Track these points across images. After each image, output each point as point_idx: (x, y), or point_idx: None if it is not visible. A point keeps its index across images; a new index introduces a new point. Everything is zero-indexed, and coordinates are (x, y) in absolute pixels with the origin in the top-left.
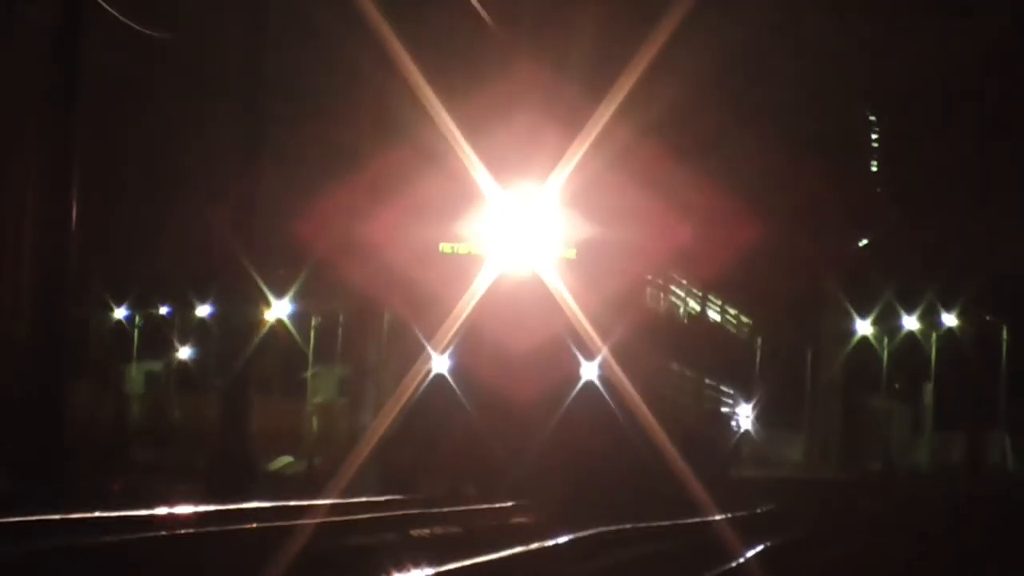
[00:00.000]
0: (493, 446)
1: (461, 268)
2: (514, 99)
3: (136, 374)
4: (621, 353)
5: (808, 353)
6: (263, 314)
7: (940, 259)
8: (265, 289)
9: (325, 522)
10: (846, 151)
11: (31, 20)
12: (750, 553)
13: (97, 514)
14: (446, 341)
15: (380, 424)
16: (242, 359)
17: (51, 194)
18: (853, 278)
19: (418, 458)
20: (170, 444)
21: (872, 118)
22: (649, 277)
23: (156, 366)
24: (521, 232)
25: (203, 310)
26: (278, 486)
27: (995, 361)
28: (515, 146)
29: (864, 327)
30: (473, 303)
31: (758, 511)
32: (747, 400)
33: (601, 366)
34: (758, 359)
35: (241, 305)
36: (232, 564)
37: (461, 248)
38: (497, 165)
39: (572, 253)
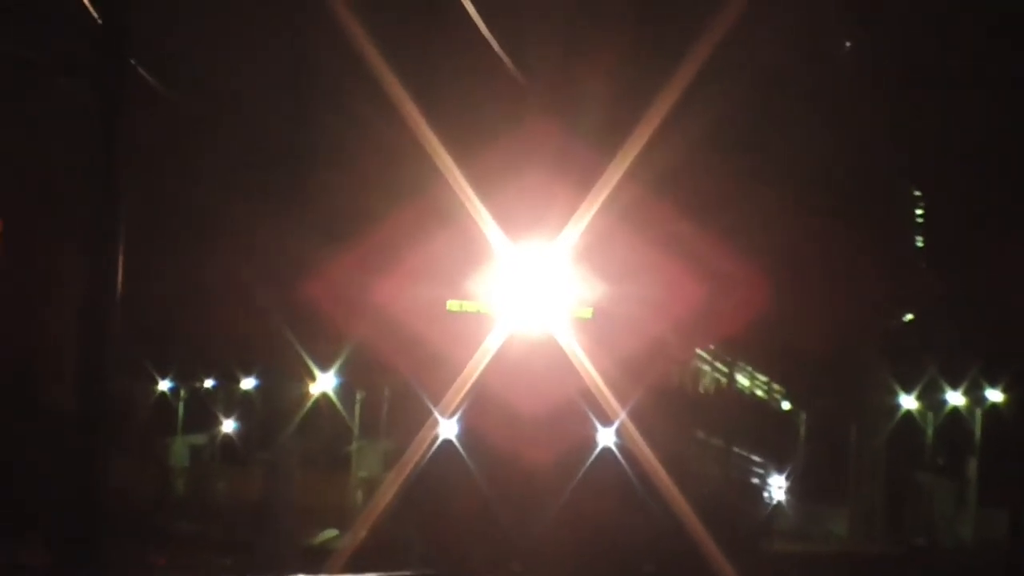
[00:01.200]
0: (505, 517)
1: (479, 327)
2: (527, 155)
3: (180, 447)
4: (640, 419)
5: (851, 427)
6: (308, 388)
7: (984, 335)
8: (310, 363)
9: None
10: (888, 226)
11: (72, 92)
12: None
13: None
14: (456, 406)
15: (387, 495)
16: (286, 433)
17: (95, 263)
18: (896, 353)
19: (425, 530)
20: (215, 517)
21: (917, 193)
22: (670, 340)
23: (200, 439)
24: (535, 291)
25: (248, 383)
26: (322, 560)
27: None
28: (531, 203)
29: (908, 402)
30: (484, 364)
31: None
32: (779, 471)
33: (619, 432)
34: (801, 432)
35: (285, 379)
36: None
37: (470, 307)
38: (510, 222)
39: (589, 313)
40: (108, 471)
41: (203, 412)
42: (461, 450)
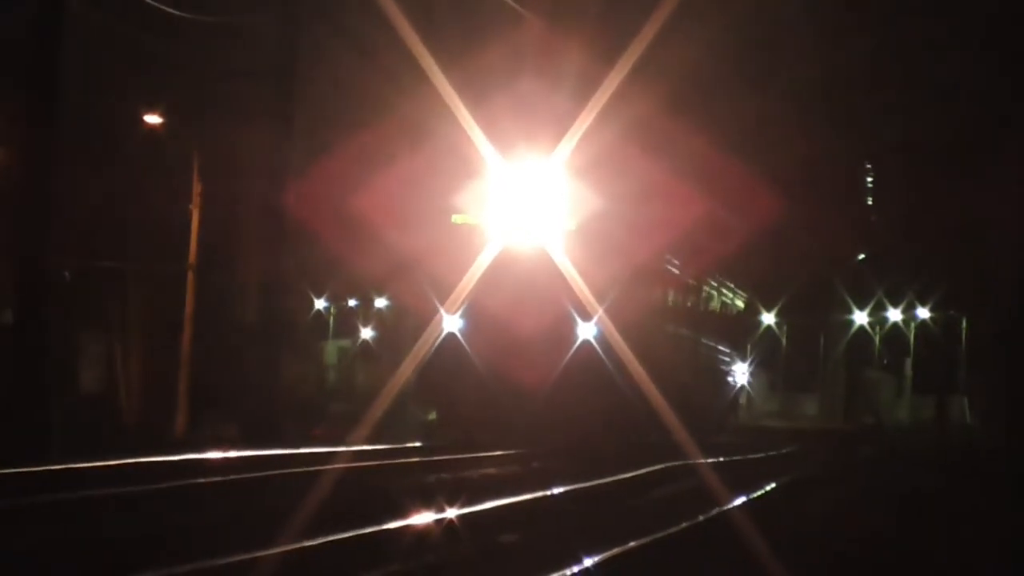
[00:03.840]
0: (504, 403)
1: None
2: (521, 66)
3: (331, 349)
4: (618, 316)
5: (820, 336)
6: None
7: (917, 269)
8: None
9: (455, 459)
10: (848, 190)
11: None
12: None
13: (303, 450)
14: (457, 308)
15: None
16: (407, 338)
17: (269, 220)
18: (854, 281)
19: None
20: (357, 400)
21: (868, 165)
22: (650, 253)
23: (346, 343)
24: (527, 204)
25: (380, 302)
26: (430, 431)
27: (956, 344)
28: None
29: (861, 318)
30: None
31: (783, 451)
32: (743, 359)
33: (599, 328)
34: (783, 339)
35: (405, 299)
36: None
37: (471, 219)
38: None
39: (574, 224)
40: (280, 368)
41: (348, 324)
42: (469, 344)
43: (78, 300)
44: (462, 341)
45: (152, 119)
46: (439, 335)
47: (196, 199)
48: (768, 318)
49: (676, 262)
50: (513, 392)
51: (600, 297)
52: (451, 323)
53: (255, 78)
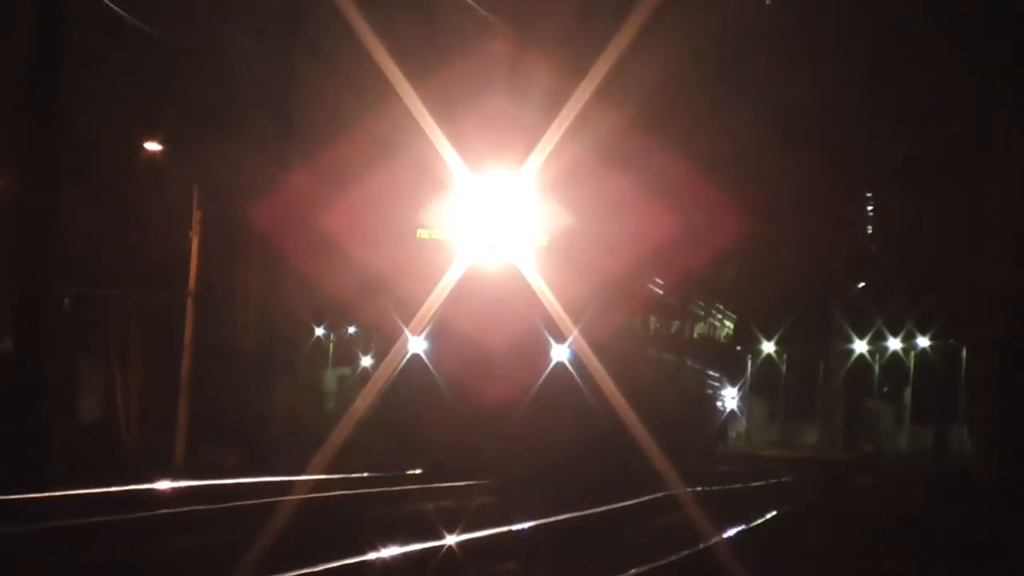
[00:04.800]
0: (471, 428)
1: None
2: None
3: (331, 377)
4: (594, 336)
5: (820, 365)
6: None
7: (917, 299)
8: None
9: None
10: (849, 219)
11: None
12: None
13: (300, 477)
14: (423, 329)
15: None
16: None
17: (269, 248)
18: (853, 310)
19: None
20: (355, 429)
21: (868, 194)
22: (627, 270)
23: (346, 371)
24: (498, 220)
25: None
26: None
27: (956, 373)
28: (491, 131)
29: (861, 346)
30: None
31: (783, 480)
32: (733, 384)
33: (573, 349)
34: (784, 369)
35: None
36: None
37: (437, 235)
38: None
39: (546, 241)
40: (280, 394)
41: (348, 352)
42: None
43: (77, 327)
44: (427, 364)
45: (152, 146)
46: (404, 357)
47: (196, 226)
48: (768, 346)
49: (658, 281)
50: (483, 417)
51: (574, 317)
52: (416, 344)
53: (254, 105)
